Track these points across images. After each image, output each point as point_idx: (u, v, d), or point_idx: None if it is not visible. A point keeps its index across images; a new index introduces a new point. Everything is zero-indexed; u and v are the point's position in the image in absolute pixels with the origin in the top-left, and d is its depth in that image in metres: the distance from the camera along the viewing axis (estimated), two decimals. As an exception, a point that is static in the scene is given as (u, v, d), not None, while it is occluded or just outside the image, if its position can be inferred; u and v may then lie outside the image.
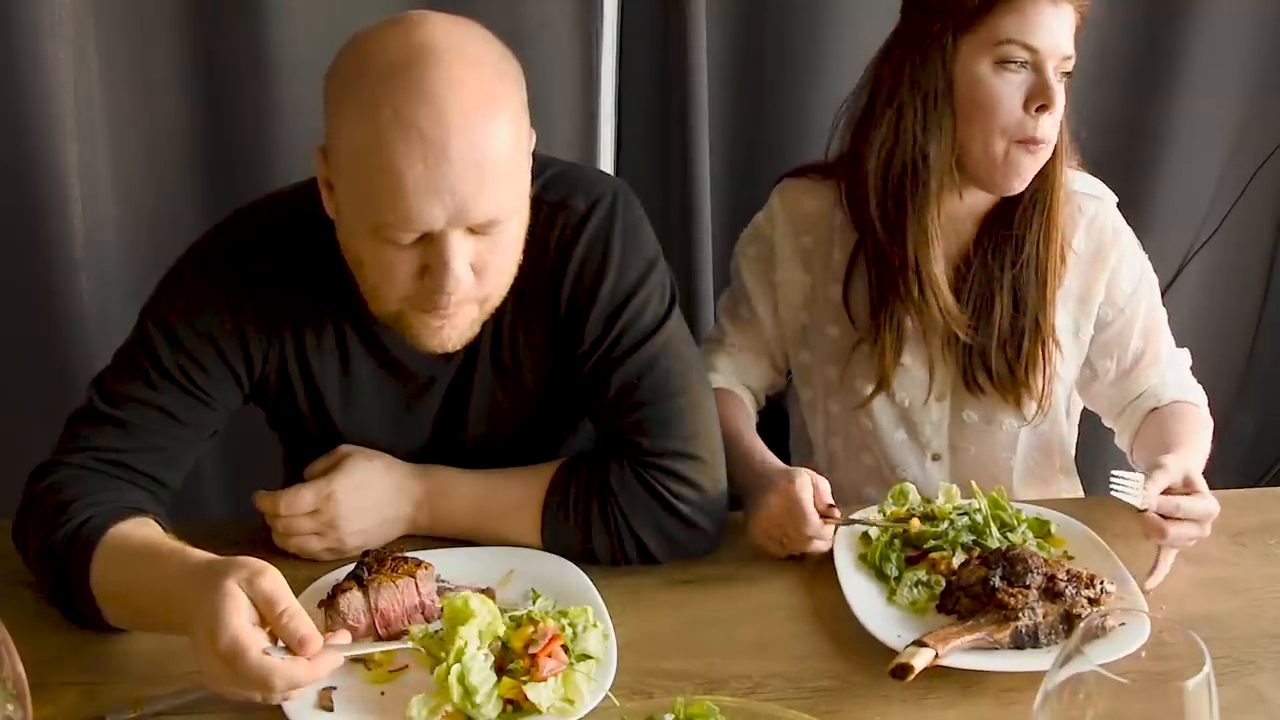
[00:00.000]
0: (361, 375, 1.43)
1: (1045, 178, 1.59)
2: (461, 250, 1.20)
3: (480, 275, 1.24)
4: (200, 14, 2.09)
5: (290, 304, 1.38)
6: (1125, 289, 1.69)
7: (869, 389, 1.70)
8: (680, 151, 2.23)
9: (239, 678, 1.04)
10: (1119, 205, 1.73)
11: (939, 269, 1.60)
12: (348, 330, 1.41)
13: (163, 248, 1.67)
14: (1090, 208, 1.67)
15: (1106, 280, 1.68)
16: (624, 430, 1.41)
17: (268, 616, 1.07)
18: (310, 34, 2.08)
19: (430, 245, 1.20)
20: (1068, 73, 1.53)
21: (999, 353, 1.65)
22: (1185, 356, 1.77)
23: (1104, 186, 1.72)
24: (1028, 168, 1.54)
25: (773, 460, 1.53)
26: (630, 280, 1.41)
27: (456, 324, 1.28)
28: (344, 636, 1.15)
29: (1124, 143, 2.41)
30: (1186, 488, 1.42)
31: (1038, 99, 1.50)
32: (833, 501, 1.41)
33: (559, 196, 1.40)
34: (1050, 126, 1.52)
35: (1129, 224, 1.72)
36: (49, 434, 1.38)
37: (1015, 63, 1.50)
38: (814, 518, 1.39)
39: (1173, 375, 1.73)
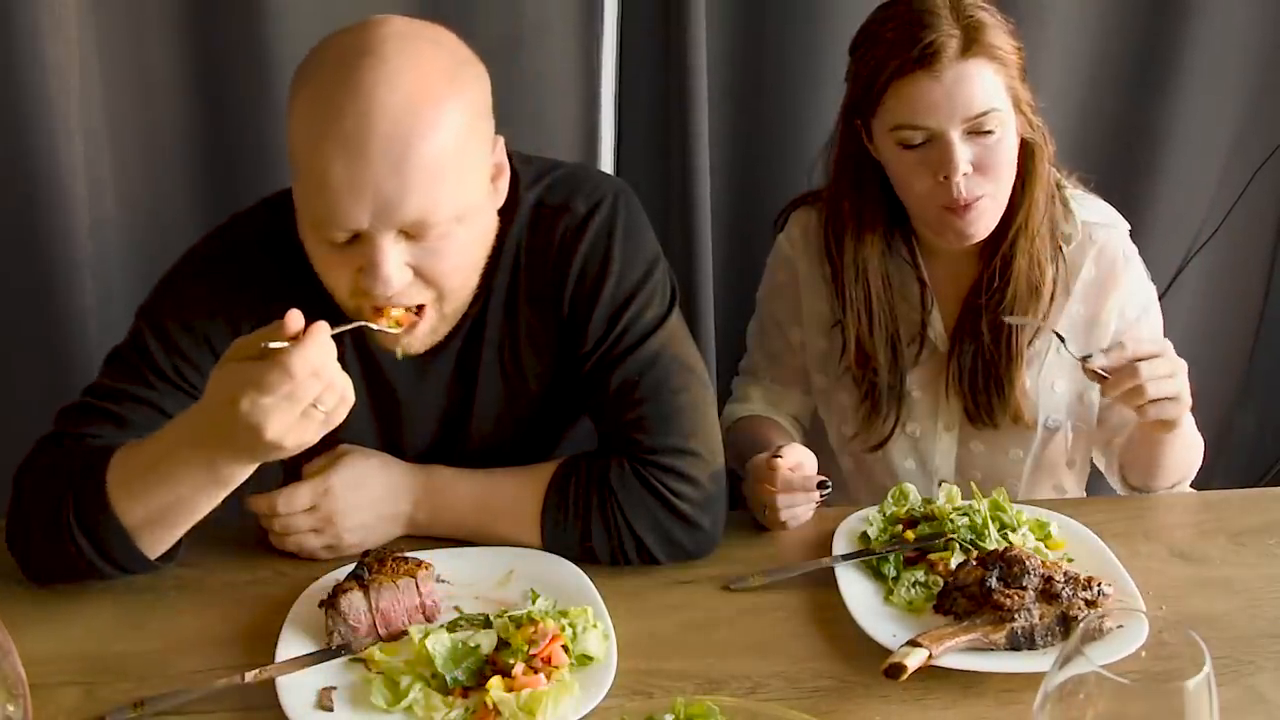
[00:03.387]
0: (359, 376, 1.43)
1: (1012, 224, 1.61)
2: (392, 252, 1.20)
3: (426, 279, 1.24)
4: (200, 14, 2.09)
5: (286, 307, 1.38)
6: (1129, 315, 1.68)
7: (877, 423, 1.72)
8: (680, 152, 2.23)
9: (257, 382, 1.06)
10: (1119, 206, 1.73)
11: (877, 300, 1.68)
12: (345, 333, 1.41)
13: (165, 247, 1.67)
14: (1100, 236, 1.67)
15: (1117, 306, 1.66)
16: (624, 427, 1.42)
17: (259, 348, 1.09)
18: (310, 34, 2.04)
19: (362, 246, 1.21)
20: (988, 130, 1.52)
21: (972, 376, 1.67)
22: None
23: (1116, 214, 1.71)
24: (962, 226, 1.57)
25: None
26: (632, 280, 1.41)
27: (416, 330, 1.29)
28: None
29: (1124, 143, 2.41)
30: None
31: (942, 169, 1.53)
32: (824, 478, 1.45)
33: (560, 200, 1.40)
34: (975, 186, 1.54)
35: (1129, 224, 1.71)
36: (50, 433, 1.37)
37: (915, 139, 1.54)
38: (783, 477, 1.42)
39: None
